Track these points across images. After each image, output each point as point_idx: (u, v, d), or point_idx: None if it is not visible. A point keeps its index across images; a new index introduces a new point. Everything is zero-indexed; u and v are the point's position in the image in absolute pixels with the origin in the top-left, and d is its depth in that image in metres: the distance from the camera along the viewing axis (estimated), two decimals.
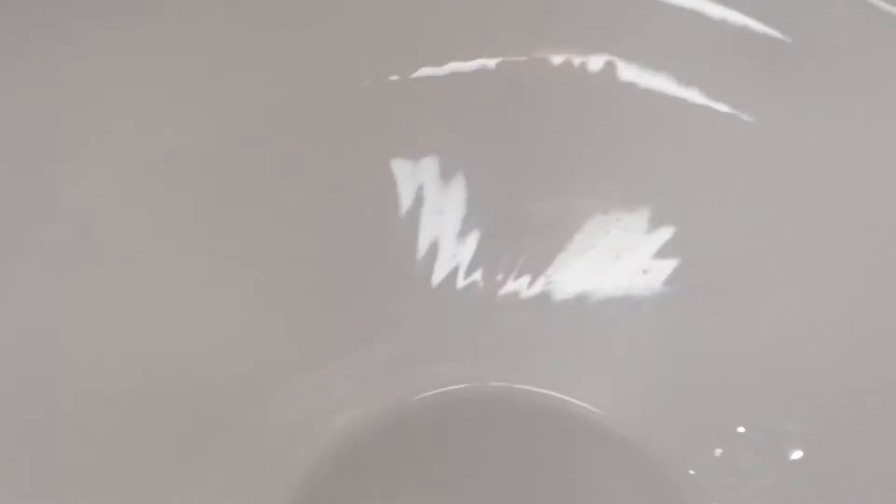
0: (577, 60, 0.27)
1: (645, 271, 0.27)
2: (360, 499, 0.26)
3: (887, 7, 0.25)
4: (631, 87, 0.26)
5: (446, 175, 0.27)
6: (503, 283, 0.27)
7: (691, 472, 0.26)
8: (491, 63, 0.27)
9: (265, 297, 0.27)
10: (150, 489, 0.24)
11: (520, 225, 0.27)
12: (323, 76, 0.27)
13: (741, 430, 0.27)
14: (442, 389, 0.27)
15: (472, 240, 0.27)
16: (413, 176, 0.27)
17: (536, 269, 0.27)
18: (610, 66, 0.26)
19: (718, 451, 0.27)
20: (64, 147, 0.25)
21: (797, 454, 0.26)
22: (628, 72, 0.26)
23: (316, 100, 0.27)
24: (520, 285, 0.27)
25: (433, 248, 0.27)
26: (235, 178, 0.27)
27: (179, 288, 0.26)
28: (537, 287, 0.27)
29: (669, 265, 0.27)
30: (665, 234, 0.27)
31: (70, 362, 0.24)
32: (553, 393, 0.27)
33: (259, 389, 0.27)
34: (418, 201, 0.27)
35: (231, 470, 0.25)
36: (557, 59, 0.27)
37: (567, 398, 0.26)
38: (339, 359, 0.27)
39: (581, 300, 0.27)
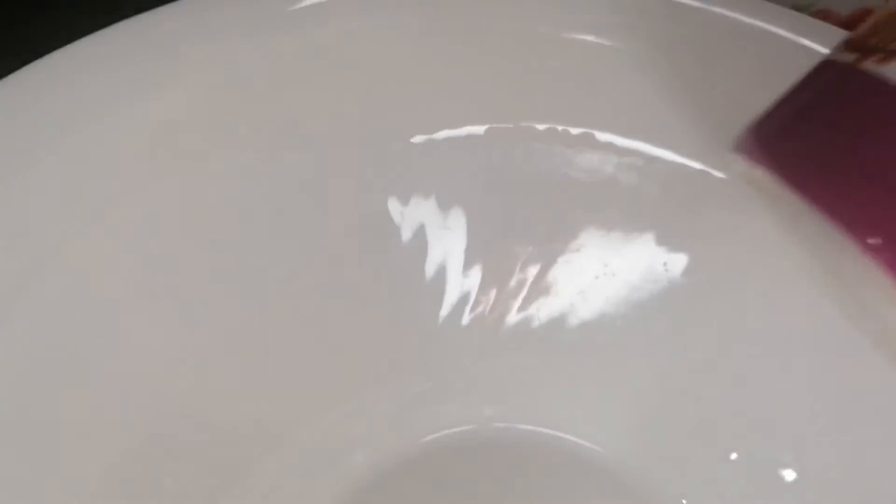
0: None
1: (641, 307, 0.28)
2: None
3: None
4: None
5: (446, 215, 0.28)
6: (504, 321, 0.29)
7: (684, 501, 0.28)
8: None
9: (273, 342, 0.28)
10: None
11: (519, 264, 0.29)
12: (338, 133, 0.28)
13: (734, 456, 0.28)
14: (448, 431, 0.28)
15: (474, 278, 0.29)
16: (413, 217, 0.28)
17: (537, 307, 0.28)
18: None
19: (713, 480, 0.28)
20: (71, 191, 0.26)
21: (791, 476, 0.28)
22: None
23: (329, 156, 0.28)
24: (522, 323, 0.29)
25: (436, 288, 0.29)
26: (244, 224, 0.28)
27: (188, 335, 0.27)
28: (538, 325, 0.28)
29: (664, 303, 0.28)
30: (659, 271, 0.28)
31: (79, 410, 0.25)
32: (555, 432, 0.28)
33: (269, 436, 0.28)
34: (420, 240, 0.28)
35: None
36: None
37: (568, 437, 0.28)
38: (346, 403, 0.28)
39: (580, 339, 0.28)
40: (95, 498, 0.25)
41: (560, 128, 0.28)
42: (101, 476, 0.25)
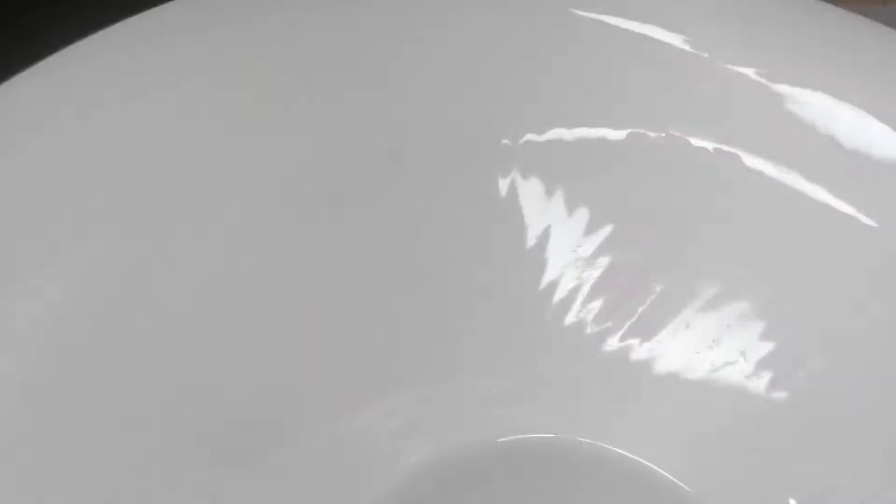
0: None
1: (739, 357, 0.28)
2: None
3: None
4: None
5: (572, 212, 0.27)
6: (608, 337, 0.28)
7: None
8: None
9: (356, 320, 0.27)
10: None
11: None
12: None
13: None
14: (524, 436, 0.27)
15: (588, 287, 0.27)
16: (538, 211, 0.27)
17: (643, 333, 0.28)
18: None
19: None
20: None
21: None
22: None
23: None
24: (624, 344, 0.28)
25: (549, 287, 0.27)
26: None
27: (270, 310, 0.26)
28: (641, 350, 0.28)
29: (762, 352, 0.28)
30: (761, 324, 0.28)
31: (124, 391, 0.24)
32: (636, 458, 0.27)
33: (341, 411, 0.27)
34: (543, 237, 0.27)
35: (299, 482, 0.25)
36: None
37: (653, 466, 0.27)
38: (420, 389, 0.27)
39: (675, 371, 0.28)
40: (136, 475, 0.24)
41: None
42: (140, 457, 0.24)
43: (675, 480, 0.27)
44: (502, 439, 0.27)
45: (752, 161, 0.27)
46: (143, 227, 0.25)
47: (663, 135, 0.27)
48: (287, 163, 0.27)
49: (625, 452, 0.27)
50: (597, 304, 0.28)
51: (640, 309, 0.27)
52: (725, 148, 0.27)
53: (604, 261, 0.28)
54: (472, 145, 0.28)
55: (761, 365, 0.27)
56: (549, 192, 0.28)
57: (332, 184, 0.27)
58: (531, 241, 0.28)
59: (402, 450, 0.27)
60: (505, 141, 0.28)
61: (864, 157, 0.27)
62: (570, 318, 0.28)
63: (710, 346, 0.27)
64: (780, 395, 0.27)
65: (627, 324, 0.28)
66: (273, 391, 0.26)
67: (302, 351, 0.26)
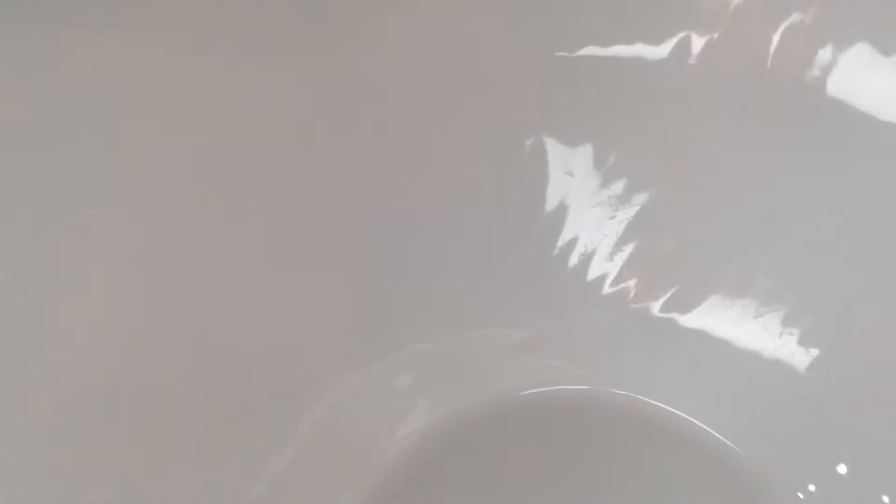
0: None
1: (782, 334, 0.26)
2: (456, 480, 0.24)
3: None
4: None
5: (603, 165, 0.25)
6: (647, 298, 0.26)
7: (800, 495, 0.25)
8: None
9: (373, 273, 0.26)
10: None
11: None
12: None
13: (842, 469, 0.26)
14: (553, 388, 0.25)
15: (609, 235, 0.25)
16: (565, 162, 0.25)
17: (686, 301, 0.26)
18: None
19: (812, 487, 0.26)
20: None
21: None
22: None
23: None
24: (662, 307, 0.26)
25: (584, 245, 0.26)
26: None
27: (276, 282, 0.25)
28: (678, 303, 0.26)
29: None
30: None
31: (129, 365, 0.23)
32: (671, 409, 0.25)
33: (365, 355, 0.25)
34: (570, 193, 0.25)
35: (319, 456, 0.24)
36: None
37: (685, 416, 0.25)
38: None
39: (710, 333, 0.26)
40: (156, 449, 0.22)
41: None
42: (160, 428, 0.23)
43: (719, 436, 0.25)
44: (526, 392, 0.25)
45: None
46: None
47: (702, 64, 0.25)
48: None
49: (660, 404, 0.25)
50: (626, 254, 0.26)
51: (675, 260, 0.25)
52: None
53: (632, 211, 0.26)
54: (496, 81, 0.25)
55: (806, 315, 0.25)
56: (573, 140, 0.26)
57: (340, 128, 0.25)
58: (554, 190, 0.26)
59: (430, 401, 0.25)
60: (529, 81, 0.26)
61: None
62: (595, 270, 0.26)
63: (756, 299, 0.25)
64: (827, 348, 0.25)
65: (662, 278, 0.26)
66: (288, 346, 0.24)
67: (320, 305, 0.25)
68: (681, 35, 0.25)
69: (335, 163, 0.25)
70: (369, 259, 0.25)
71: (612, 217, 0.26)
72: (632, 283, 0.26)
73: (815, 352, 0.26)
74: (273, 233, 0.25)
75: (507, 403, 0.25)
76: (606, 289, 0.26)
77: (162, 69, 0.24)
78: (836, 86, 0.25)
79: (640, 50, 0.25)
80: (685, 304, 0.26)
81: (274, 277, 0.25)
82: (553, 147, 0.25)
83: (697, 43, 0.25)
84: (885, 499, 0.25)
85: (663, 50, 0.25)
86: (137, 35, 0.23)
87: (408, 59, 0.25)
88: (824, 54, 0.25)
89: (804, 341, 0.26)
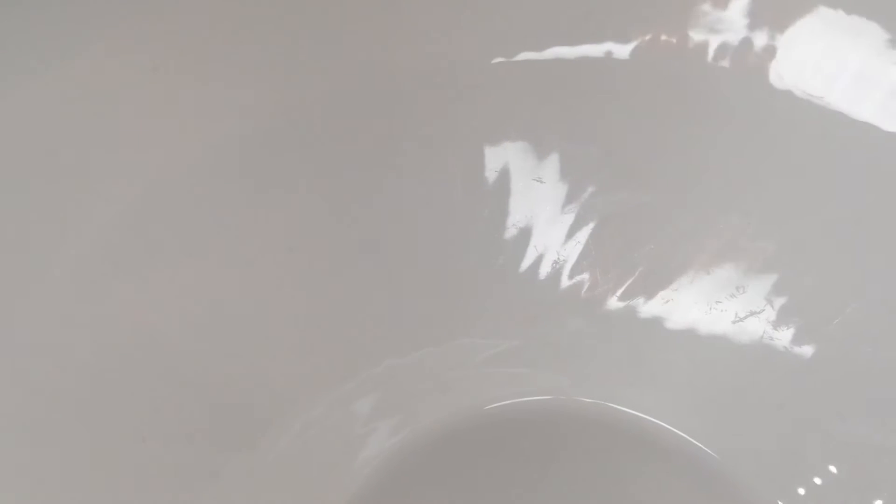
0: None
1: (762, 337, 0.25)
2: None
3: None
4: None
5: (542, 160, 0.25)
6: (606, 293, 0.25)
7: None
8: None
9: (345, 285, 0.25)
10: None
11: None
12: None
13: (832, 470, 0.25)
14: (519, 400, 0.25)
15: (581, 241, 0.25)
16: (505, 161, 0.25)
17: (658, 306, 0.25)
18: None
19: (802, 491, 0.25)
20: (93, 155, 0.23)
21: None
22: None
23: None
24: (632, 312, 0.25)
25: (531, 244, 0.25)
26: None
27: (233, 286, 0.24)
28: (649, 304, 0.25)
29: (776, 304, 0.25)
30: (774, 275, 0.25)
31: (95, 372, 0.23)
32: (643, 415, 0.25)
33: (330, 378, 0.25)
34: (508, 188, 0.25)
35: (297, 457, 0.24)
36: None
37: (655, 420, 0.24)
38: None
39: (682, 338, 0.25)
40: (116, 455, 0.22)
41: None
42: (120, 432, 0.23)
43: (695, 441, 0.24)
44: (493, 405, 0.25)
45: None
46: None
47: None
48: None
49: (633, 412, 0.24)
50: (596, 260, 0.25)
51: (646, 259, 0.25)
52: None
53: (597, 212, 0.25)
54: (459, 89, 0.25)
55: (784, 315, 0.25)
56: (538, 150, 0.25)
57: (298, 144, 0.25)
58: (519, 201, 0.25)
59: (400, 416, 0.25)
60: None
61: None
62: (565, 278, 0.25)
63: (731, 296, 0.25)
64: (807, 347, 0.24)
65: (632, 277, 0.25)
66: (257, 368, 0.24)
67: (291, 323, 0.25)
68: (647, 37, 0.25)
69: (298, 179, 0.25)
70: (339, 274, 0.25)
71: (581, 223, 0.25)
72: (603, 289, 0.25)
73: (795, 355, 0.25)
74: (242, 252, 0.25)
75: (476, 417, 0.25)
76: (577, 296, 0.25)
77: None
78: (795, 80, 0.24)
79: (608, 48, 0.25)
80: (657, 308, 0.25)
81: (243, 298, 0.25)
82: (521, 154, 0.25)
83: (660, 45, 0.25)
84: None
85: (625, 50, 0.24)
86: (131, 29, 0.24)
87: (359, 72, 0.25)
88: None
89: (783, 344, 0.25)
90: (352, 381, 0.25)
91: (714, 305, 0.25)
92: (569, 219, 0.26)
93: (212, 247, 0.24)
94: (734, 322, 0.25)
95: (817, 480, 0.25)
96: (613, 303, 0.25)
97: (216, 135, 0.24)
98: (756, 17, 0.24)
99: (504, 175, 0.25)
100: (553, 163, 0.25)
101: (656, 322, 0.25)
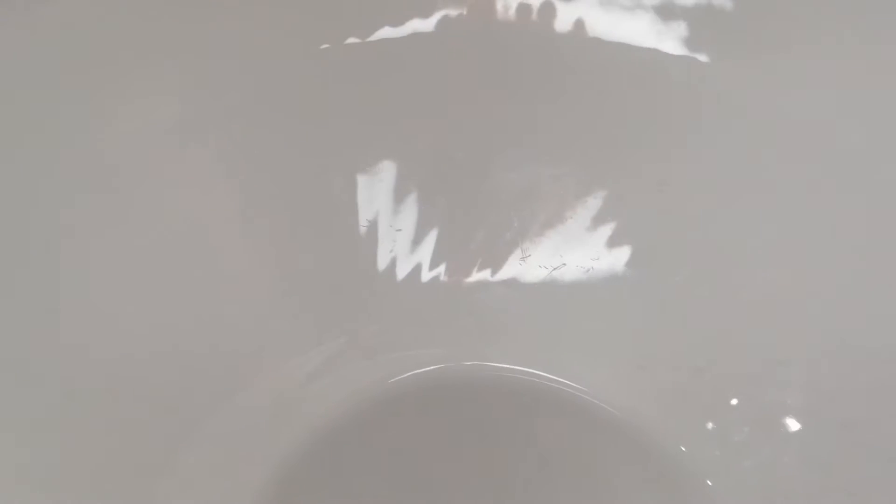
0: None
1: (619, 246, 0.26)
2: (342, 480, 0.25)
3: None
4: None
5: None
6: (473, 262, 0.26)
7: (682, 448, 0.25)
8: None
9: (249, 285, 0.26)
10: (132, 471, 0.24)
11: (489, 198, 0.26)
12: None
13: (734, 402, 0.25)
14: (416, 371, 0.26)
15: (438, 218, 0.26)
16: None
17: (508, 247, 0.26)
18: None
19: (710, 425, 0.25)
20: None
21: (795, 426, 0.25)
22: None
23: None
24: (489, 265, 0.26)
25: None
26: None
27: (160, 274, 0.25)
28: (509, 266, 0.26)
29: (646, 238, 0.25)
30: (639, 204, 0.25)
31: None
32: (532, 370, 0.26)
33: (245, 371, 0.26)
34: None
35: (211, 452, 0.25)
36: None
37: (548, 376, 0.25)
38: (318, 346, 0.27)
39: (554, 276, 0.26)
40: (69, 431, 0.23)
41: None
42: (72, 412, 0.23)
43: (571, 383, 0.25)
44: (395, 378, 0.26)
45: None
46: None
47: None
48: None
49: (514, 366, 0.25)
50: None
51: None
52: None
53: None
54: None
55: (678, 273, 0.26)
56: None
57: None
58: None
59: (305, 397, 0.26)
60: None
61: None
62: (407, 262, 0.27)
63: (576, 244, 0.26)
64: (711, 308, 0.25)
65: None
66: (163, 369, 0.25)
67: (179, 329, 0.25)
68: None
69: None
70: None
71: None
72: (445, 266, 0.26)
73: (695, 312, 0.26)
74: None
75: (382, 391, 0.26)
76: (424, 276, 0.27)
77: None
78: None
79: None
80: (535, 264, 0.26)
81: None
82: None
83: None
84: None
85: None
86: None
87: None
88: None
89: (680, 299, 0.26)
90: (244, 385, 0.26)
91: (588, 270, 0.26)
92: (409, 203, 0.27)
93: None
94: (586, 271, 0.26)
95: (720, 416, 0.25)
96: (465, 277, 0.26)
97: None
98: None
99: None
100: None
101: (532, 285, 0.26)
